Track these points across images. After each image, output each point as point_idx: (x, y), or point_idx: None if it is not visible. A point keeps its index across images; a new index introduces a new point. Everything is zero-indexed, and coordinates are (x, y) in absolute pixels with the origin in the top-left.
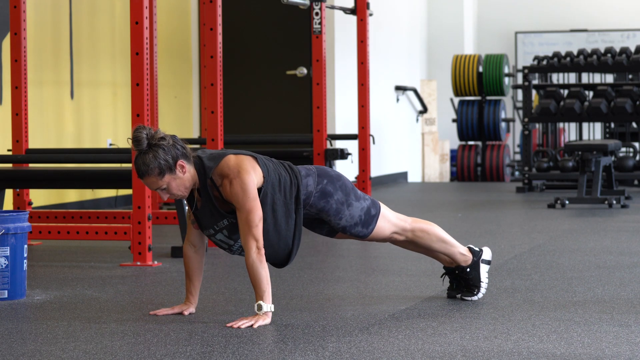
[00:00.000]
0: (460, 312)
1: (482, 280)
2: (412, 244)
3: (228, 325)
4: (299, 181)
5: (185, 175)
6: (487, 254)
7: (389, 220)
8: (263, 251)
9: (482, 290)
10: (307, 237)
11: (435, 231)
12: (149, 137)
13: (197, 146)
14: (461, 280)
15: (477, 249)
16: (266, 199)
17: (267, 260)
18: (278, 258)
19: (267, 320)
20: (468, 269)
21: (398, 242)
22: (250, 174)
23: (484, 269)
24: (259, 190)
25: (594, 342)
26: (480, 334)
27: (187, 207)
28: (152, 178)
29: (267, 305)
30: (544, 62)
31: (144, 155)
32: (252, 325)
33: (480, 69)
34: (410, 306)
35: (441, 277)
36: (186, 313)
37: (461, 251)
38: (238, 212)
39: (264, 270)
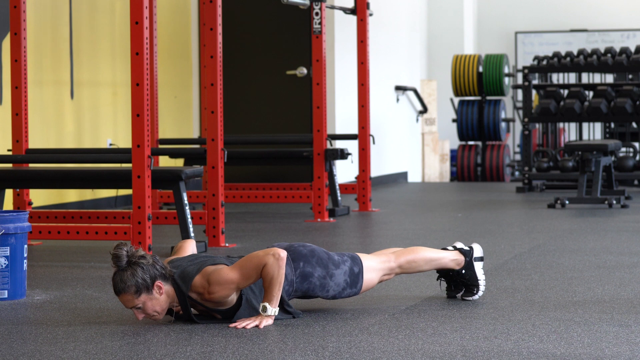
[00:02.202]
0: (460, 312)
1: (479, 278)
2: (403, 274)
3: (231, 325)
4: None
5: (161, 297)
6: (477, 251)
7: (374, 269)
8: (282, 256)
9: (482, 287)
10: (307, 237)
11: (421, 256)
12: (129, 255)
13: (197, 146)
14: (458, 281)
15: (466, 248)
16: (247, 303)
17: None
18: None
19: (270, 321)
20: (463, 271)
21: (389, 279)
22: (217, 270)
23: (478, 267)
24: (239, 297)
25: (594, 342)
26: (480, 334)
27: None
28: (128, 296)
29: (272, 309)
30: (544, 62)
31: (122, 272)
32: (257, 326)
33: (480, 69)
34: (410, 306)
35: (437, 280)
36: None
37: (451, 257)
38: (242, 285)
39: (280, 276)
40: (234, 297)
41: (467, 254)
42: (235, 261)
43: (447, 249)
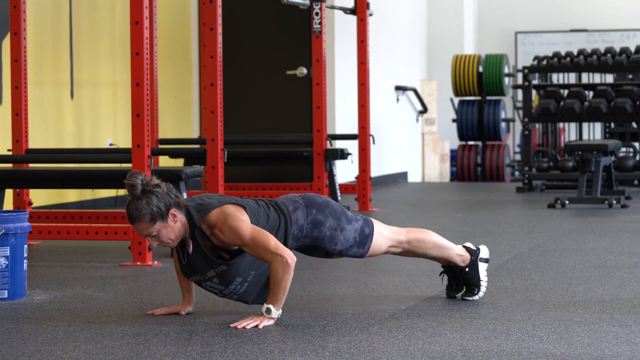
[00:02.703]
0: (460, 312)
1: (481, 279)
2: (409, 253)
3: (232, 325)
4: (287, 222)
5: (176, 225)
6: (484, 252)
7: (384, 236)
8: (290, 263)
9: (482, 289)
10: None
11: (430, 238)
12: (143, 183)
13: (197, 146)
14: (460, 279)
15: (474, 247)
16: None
17: (261, 301)
18: (264, 296)
19: (271, 322)
20: (467, 269)
21: (395, 253)
22: (239, 217)
23: (482, 268)
24: None
25: (594, 342)
26: (480, 334)
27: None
28: (143, 224)
29: (276, 312)
30: (544, 62)
31: (137, 200)
32: (257, 326)
33: (480, 69)
34: (410, 306)
35: (439, 275)
36: (183, 313)
37: (458, 252)
38: (246, 249)
39: (285, 281)
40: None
41: (474, 253)
42: (260, 208)
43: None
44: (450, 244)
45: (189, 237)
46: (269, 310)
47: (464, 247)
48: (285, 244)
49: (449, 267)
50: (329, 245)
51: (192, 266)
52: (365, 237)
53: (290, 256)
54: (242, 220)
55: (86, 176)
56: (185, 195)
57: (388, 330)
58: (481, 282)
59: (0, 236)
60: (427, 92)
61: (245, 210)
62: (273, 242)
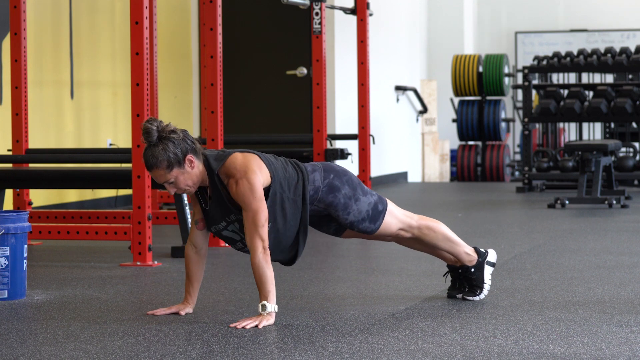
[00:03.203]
0: (460, 312)
1: (485, 281)
2: (417, 241)
3: (232, 325)
4: (304, 178)
5: (193, 171)
6: (492, 256)
7: (396, 217)
8: (269, 251)
9: (485, 291)
10: (307, 237)
11: (441, 229)
12: (159, 130)
13: None
14: (464, 279)
15: (483, 250)
16: (275, 197)
17: (276, 259)
18: (287, 256)
19: (271, 320)
20: (472, 269)
21: (404, 239)
22: (257, 173)
23: (488, 271)
24: (267, 189)
25: (594, 342)
26: (480, 334)
27: (188, 210)
28: (160, 171)
29: (271, 306)
30: (544, 62)
31: (153, 147)
32: (257, 326)
33: (480, 69)
34: (410, 306)
35: (444, 275)
36: (182, 313)
37: (467, 251)
38: (244, 212)
39: (269, 271)
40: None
41: (482, 255)
42: (279, 162)
43: None
44: (460, 240)
45: (209, 185)
46: (264, 307)
47: (474, 248)
48: (303, 198)
49: (454, 268)
50: (341, 214)
51: (212, 214)
52: (378, 213)
53: (267, 246)
54: (259, 183)
55: (86, 176)
56: (185, 196)
57: (388, 330)
58: (485, 284)
59: (0, 236)
60: (427, 92)
61: (263, 161)
62: (264, 229)
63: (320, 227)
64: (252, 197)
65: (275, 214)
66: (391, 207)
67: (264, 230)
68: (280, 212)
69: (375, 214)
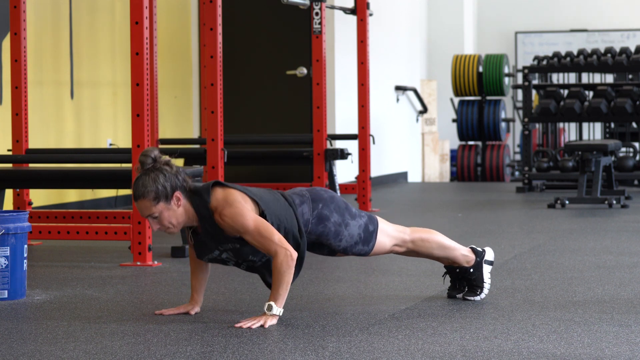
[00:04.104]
0: (460, 312)
1: (484, 280)
2: (412, 252)
3: (237, 325)
4: (295, 212)
5: (178, 209)
6: (489, 254)
7: (388, 234)
8: (295, 255)
9: (485, 290)
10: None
11: (435, 238)
12: (154, 159)
13: (197, 146)
14: (463, 280)
15: (479, 249)
16: (278, 229)
17: (269, 279)
18: None
19: (274, 321)
20: (471, 270)
21: (399, 253)
22: (239, 202)
23: (486, 270)
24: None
25: (594, 342)
26: (480, 334)
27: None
28: (147, 202)
29: (277, 309)
30: (544, 62)
31: (144, 176)
32: (262, 325)
33: (480, 69)
34: (410, 306)
35: (442, 276)
36: (192, 312)
37: (463, 252)
38: (246, 236)
39: (287, 276)
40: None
41: (479, 254)
42: (265, 194)
43: None
44: (455, 245)
45: (198, 219)
46: (270, 307)
47: (470, 248)
48: (299, 231)
49: (451, 268)
50: (333, 242)
51: (204, 244)
52: (370, 234)
53: (293, 251)
54: (246, 209)
55: (86, 176)
56: None
57: (388, 330)
58: (484, 283)
59: (0, 236)
60: (427, 92)
61: (249, 198)
62: (277, 235)
63: (312, 251)
64: (244, 218)
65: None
66: (382, 225)
67: (278, 237)
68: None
69: (367, 236)
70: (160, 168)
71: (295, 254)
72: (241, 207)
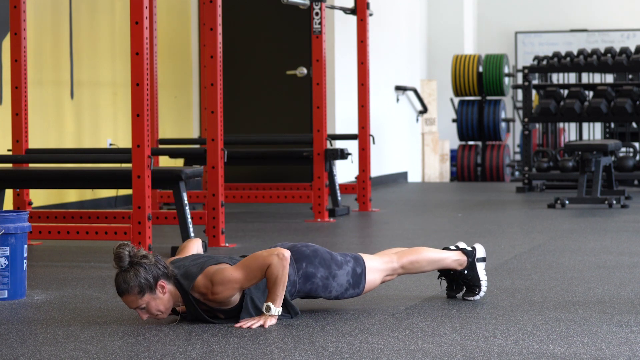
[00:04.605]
0: (460, 312)
1: (481, 279)
2: (405, 274)
3: (237, 325)
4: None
5: (165, 296)
6: (480, 251)
7: (377, 269)
8: (287, 256)
9: (483, 288)
10: (307, 237)
11: (423, 257)
12: (131, 255)
13: (197, 146)
14: (459, 281)
15: (469, 248)
16: (247, 300)
17: None
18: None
19: (274, 321)
20: (465, 271)
21: (392, 280)
22: (219, 270)
23: (480, 267)
24: (241, 299)
25: (594, 342)
26: (480, 334)
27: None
28: (132, 297)
29: (276, 309)
30: (544, 62)
31: (124, 273)
32: (262, 325)
33: (480, 69)
34: (410, 306)
35: (438, 279)
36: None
37: (454, 258)
38: (246, 285)
39: (283, 277)
40: (237, 297)
41: (470, 254)
42: (237, 261)
43: (449, 249)
44: (444, 254)
45: (182, 303)
46: (268, 308)
47: (458, 247)
48: (285, 305)
49: (446, 271)
50: (323, 294)
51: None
52: (358, 276)
53: (284, 251)
54: (225, 269)
55: (86, 176)
56: (185, 196)
57: (388, 330)
58: (481, 282)
59: (0, 236)
60: (427, 92)
61: (223, 263)
62: (263, 252)
63: (308, 298)
64: (233, 278)
65: (260, 299)
66: (369, 262)
67: (265, 253)
68: (254, 312)
69: (356, 280)
70: (139, 262)
71: (287, 253)
72: (220, 271)
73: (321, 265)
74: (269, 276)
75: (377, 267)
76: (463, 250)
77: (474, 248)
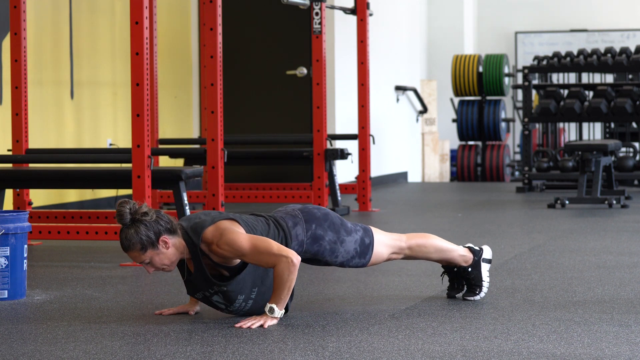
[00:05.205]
0: (460, 312)
1: (483, 279)
2: (410, 257)
3: (237, 325)
4: (287, 238)
5: (169, 250)
6: (487, 252)
7: (385, 244)
8: (296, 262)
9: (484, 289)
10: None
11: (431, 242)
12: (131, 212)
13: (197, 146)
14: (462, 279)
15: (477, 248)
16: (250, 266)
17: (258, 310)
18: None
19: (274, 321)
20: (469, 269)
21: (397, 259)
22: (232, 229)
23: (484, 268)
24: None
25: (594, 342)
26: (480, 334)
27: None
28: (134, 253)
29: (279, 311)
30: (544, 62)
31: (126, 229)
32: (262, 325)
33: (480, 69)
34: (410, 306)
35: (441, 276)
36: (192, 313)
37: (460, 253)
38: (247, 259)
39: (290, 281)
40: (237, 261)
41: (477, 253)
42: (258, 222)
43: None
44: (452, 246)
45: (190, 258)
46: (272, 310)
47: (467, 247)
48: None
49: (449, 268)
50: (329, 258)
51: (194, 284)
52: (366, 247)
53: (295, 256)
54: (238, 232)
55: (86, 176)
56: (185, 197)
57: (388, 330)
58: (483, 282)
59: (0, 236)
60: (427, 92)
61: (240, 224)
62: (275, 245)
63: (310, 264)
64: (240, 243)
65: (262, 276)
66: (378, 235)
67: (277, 247)
68: (265, 273)
69: (363, 249)
70: (140, 219)
71: (297, 258)
72: (233, 232)
73: (330, 229)
74: (275, 276)
75: (386, 242)
76: (470, 248)
77: (481, 249)
